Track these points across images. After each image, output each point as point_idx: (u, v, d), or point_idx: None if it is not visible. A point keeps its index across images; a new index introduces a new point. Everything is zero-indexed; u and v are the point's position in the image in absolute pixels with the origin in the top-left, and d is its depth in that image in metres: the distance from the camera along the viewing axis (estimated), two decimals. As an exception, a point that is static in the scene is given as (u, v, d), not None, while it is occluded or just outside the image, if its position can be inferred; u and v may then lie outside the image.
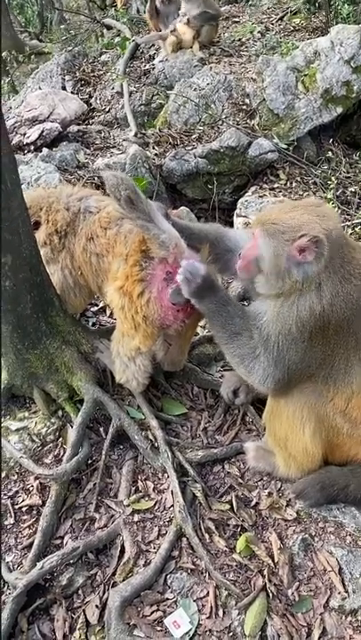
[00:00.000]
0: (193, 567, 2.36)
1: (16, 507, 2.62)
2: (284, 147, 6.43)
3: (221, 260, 2.57)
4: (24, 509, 2.61)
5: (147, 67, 8.08)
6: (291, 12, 8.57)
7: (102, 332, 3.08)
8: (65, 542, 2.49)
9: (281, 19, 8.58)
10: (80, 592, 2.36)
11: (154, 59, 8.12)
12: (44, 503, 2.60)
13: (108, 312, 3.55)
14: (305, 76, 6.70)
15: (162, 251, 2.32)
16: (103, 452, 2.72)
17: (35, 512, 2.60)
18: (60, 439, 2.85)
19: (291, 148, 6.47)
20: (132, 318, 2.47)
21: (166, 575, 2.35)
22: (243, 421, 2.93)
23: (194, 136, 6.42)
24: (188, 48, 7.66)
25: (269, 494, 2.62)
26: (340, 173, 6.47)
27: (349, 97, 6.71)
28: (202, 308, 2.40)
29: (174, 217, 2.56)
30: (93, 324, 3.45)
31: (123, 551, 2.44)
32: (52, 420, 2.90)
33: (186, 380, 3.08)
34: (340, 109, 6.71)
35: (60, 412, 2.94)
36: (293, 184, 6.14)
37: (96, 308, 3.55)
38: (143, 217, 2.25)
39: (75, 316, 3.05)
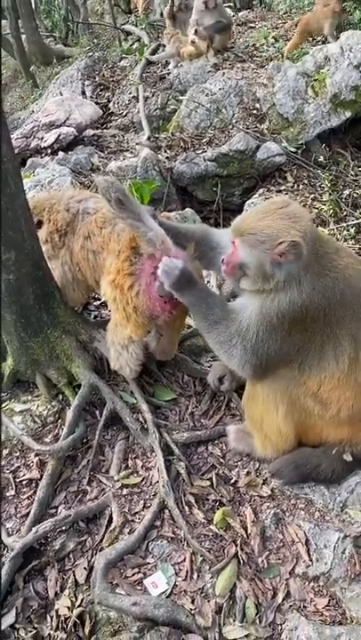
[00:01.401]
0: (173, 536, 2.59)
1: (17, 480, 2.88)
2: (293, 150, 6.60)
3: (207, 257, 2.80)
4: (24, 482, 2.88)
5: (163, 72, 8.34)
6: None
7: (100, 323, 3.33)
8: (59, 512, 2.74)
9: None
10: (71, 556, 2.61)
11: (169, 64, 8.38)
12: (42, 477, 2.86)
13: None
14: (315, 80, 6.87)
15: (149, 247, 2.56)
16: (97, 432, 2.97)
17: (33, 485, 2.87)
18: (60, 420, 3.11)
19: (299, 152, 6.64)
20: (123, 309, 2.72)
21: (148, 542, 2.58)
22: (227, 407, 3.15)
23: (205, 140, 6.64)
24: (203, 55, 7.89)
25: (248, 473, 2.84)
26: (348, 176, 6.62)
27: (358, 101, 6.85)
28: (184, 300, 2.63)
29: (162, 218, 2.80)
30: (95, 317, 3.71)
31: (110, 521, 2.69)
32: (53, 404, 3.16)
33: (177, 368, 3.31)
34: (348, 113, 6.85)
35: (60, 396, 3.20)
36: (300, 186, 6.31)
37: (98, 303, 3.80)
38: (132, 217, 2.49)
39: (75, 309, 3.30)
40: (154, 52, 8.69)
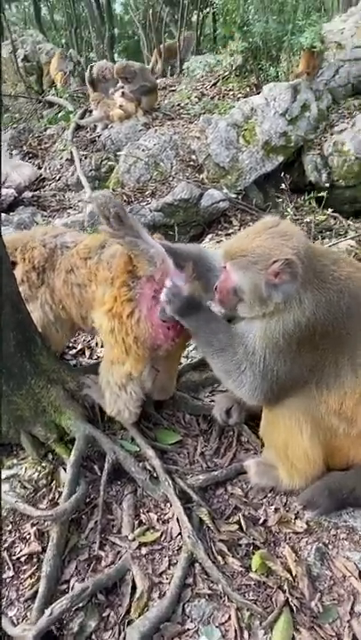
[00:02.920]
0: (210, 592, 2.25)
1: (14, 557, 2.47)
2: (234, 196, 6.73)
3: (204, 279, 2.63)
4: (23, 559, 2.47)
5: (92, 135, 8.41)
6: (223, 78, 9.16)
7: (86, 368, 3.04)
8: (72, 586, 2.34)
9: (214, 85, 9.16)
10: (94, 637, 2.21)
11: (97, 127, 8.47)
12: (44, 550, 2.46)
13: (87, 353, 3.52)
14: (245, 130, 7.12)
15: (150, 267, 2.36)
16: (101, 489, 2.62)
17: (35, 560, 2.46)
18: (54, 482, 2.74)
19: (240, 197, 6.76)
20: (122, 341, 2.47)
21: (184, 604, 2.23)
22: (239, 442, 2.90)
23: (147, 192, 6.64)
24: (133, 116, 8.04)
25: (276, 510, 2.57)
26: (288, 217, 6.77)
27: (288, 146, 7.15)
28: (187, 325, 2.44)
29: (155, 238, 2.62)
30: (74, 366, 3.40)
31: (134, 587, 2.32)
32: (43, 464, 2.79)
33: (176, 408, 3.05)
34: (281, 158, 7.12)
35: (49, 456, 2.84)
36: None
37: (75, 351, 3.51)
38: (131, 233, 2.30)
39: (57, 355, 3.00)
40: (82, 117, 8.78)
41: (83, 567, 2.42)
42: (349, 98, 7.74)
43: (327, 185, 6.85)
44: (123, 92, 7.96)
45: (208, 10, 12.08)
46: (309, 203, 6.91)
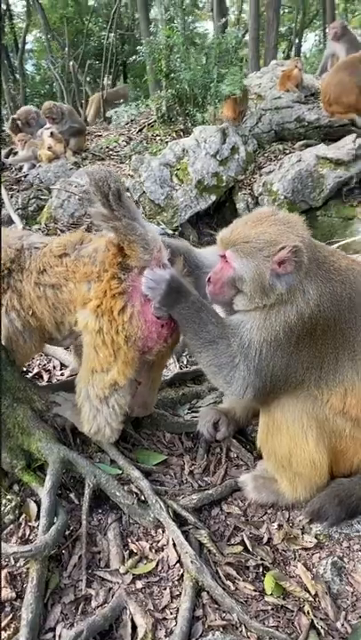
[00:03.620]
0: (225, 623, 1.96)
1: (-20, 608, 2.04)
2: (170, 232, 6.69)
3: (192, 275, 2.45)
4: (-7, 609, 2.05)
5: (18, 175, 8.16)
6: (148, 124, 9.33)
7: (54, 386, 2.72)
8: (59, 634, 1.95)
9: (140, 131, 9.30)
10: None
11: (22, 167, 8.25)
12: (18, 596, 2.07)
13: (45, 377, 3.18)
14: (178, 170, 7.19)
15: (145, 255, 2.15)
16: (83, 518, 2.28)
17: (9, 608, 2.05)
18: (23, 517, 2.35)
19: (176, 233, 6.75)
20: (111, 342, 2.20)
21: (197, 640, 1.92)
22: (228, 457, 2.67)
23: (82, 227, 6.44)
24: (62, 155, 7.92)
25: (280, 526, 2.35)
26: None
27: (220, 186, 7.30)
28: (175, 316, 2.23)
29: None
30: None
31: (134, 626, 1.98)
32: (9, 497, 2.40)
33: (155, 427, 2.77)
34: (213, 197, 7.24)
35: (15, 487, 2.45)
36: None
37: (30, 375, 3.16)
38: (129, 215, 2.09)
39: (21, 372, 2.67)
40: (6, 157, 8.54)
41: (70, 610, 2.04)
42: (274, 143, 8.11)
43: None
44: (52, 133, 7.83)
45: (134, 59, 12.43)
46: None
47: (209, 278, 2.26)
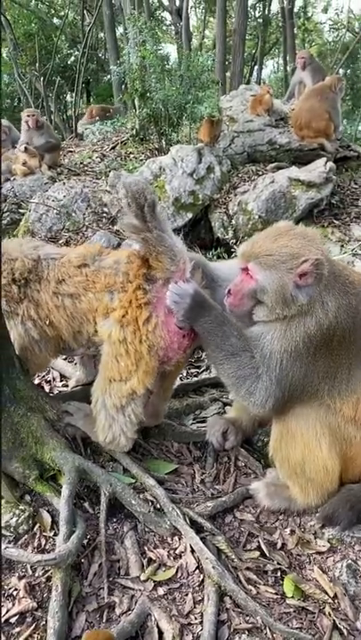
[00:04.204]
0: (250, 626, 2.00)
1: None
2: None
3: (209, 288, 2.51)
4: (13, 621, 2.03)
5: (-9, 189, 8.08)
6: (122, 142, 9.42)
7: (65, 395, 2.72)
8: (85, 642, 1.95)
9: (113, 148, 9.36)
10: None
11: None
12: (39, 606, 2.06)
13: (47, 388, 3.17)
14: (155, 187, 7.27)
15: (171, 266, 2.20)
16: (101, 526, 2.29)
17: (30, 619, 2.03)
18: (38, 527, 2.34)
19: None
20: (134, 351, 2.24)
21: (224, 644, 1.95)
22: (236, 466, 2.72)
23: (61, 241, 6.44)
24: (37, 170, 7.88)
25: (292, 532, 2.41)
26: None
27: (196, 204, 7.42)
28: (198, 329, 2.30)
29: None
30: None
31: (161, 632, 1.99)
32: (22, 507, 2.38)
33: (163, 437, 2.81)
34: (190, 215, 7.35)
35: (27, 497, 2.44)
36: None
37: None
38: (160, 227, 2.14)
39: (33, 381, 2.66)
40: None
41: (94, 618, 2.04)
42: (247, 164, 8.32)
43: (234, 241, 7.17)
44: (25, 147, 7.80)
45: (98, 77, 12.55)
46: (217, 257, 7.14)
47: (229, 290, 2.32)
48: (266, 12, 23.23)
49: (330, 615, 2.05)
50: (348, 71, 22.17)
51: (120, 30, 19.86)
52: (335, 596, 2.12)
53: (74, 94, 13.25)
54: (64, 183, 7.35)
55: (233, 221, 7.42)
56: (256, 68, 25.50)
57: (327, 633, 1.98)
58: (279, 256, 2.18)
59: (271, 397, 2.27)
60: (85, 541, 2.27)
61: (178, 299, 2.24)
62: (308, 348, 2.22)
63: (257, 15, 23.23)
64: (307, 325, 2.21)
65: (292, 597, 2.11)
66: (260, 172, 8.03)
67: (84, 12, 18.35)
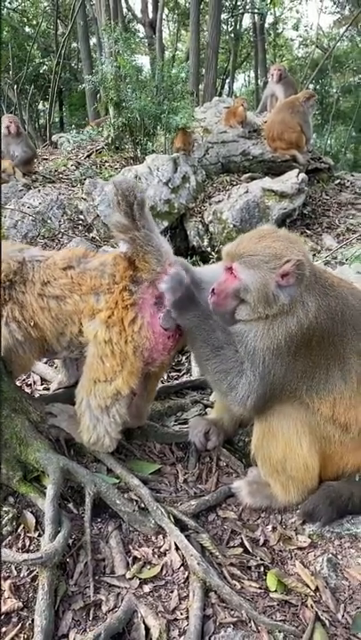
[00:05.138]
0: (235, 620, 2.04)
1: (-15, 622, 2.02)
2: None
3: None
4: (-1, 621, 2.03)
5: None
6: (96, 151, 9.47)
7: (48, 397, 2.73)
8: (72, 639, 1.96)
9: (88, 156, 9.40)
10: None
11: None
12: (25, 606, 2.06)
13: (28, 391, 3.17)
14: (131, 195, 7.32)
15: (157, 267, 2.25)
16: (86, 526, 2.30)
17: (16, 619, 2.03)
18: (22, 528, 2.34)
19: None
20: (120, 352, 2.27)
21: (210, 638, 1.98)
22: (218, 466, 2.77)
23: (37, 248, 6.43)
24: (11, 177, 7.87)
25: (274, 529, 2.47)
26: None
27: (172, 212, 7.52)
28: (183, 322, 2.34)
29: None
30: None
31: (147, 629, 2.01)
32: (5, 509, 2.38)
33: (146, 438, 2.84)
34: (166, 223, 7.43)
35: (11, 499, 2.44)
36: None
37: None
38: (148, 226, 2.19)
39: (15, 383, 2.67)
40: None
41: (81, 616, 2.05)
42: (221, 174, 8.46)
43: (209, 249, 7.27)
44: (-1, 157, 7.80)
45: (70, 87, 12.58)
46: (193, 265, 7.22)
47: (213, 289, 2.36)
48: (238, 27, 23.64)
49: (312, 607, 2.10)
50: (318, 86, 22.73)
51: (94, 40, 19.99)
52: (317, 589, 2.18)
53: (47, 103, 13.22)
54: (39, 190, 7.36)
55: (208, 230, 7.52)
56: (228, 81, 25.88)
57: (310, 624, 2.03)
58: (263, 256, 2.24)
59: (253, 394, 2.31)
60: (71, 541, 2.28)
61: (176, 285, 2.27)
62: (288, 346, 2.29)
63: (229, 30, 23.62)
64: (288, 325, 2.28)
65: (276, 591, 2.16)
66: (235, 183, 8.17)
67: (58, 21, 18.41)
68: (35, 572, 2.13)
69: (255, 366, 2.29)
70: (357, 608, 2.14)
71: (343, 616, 2.11)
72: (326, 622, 2.05)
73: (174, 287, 2.26)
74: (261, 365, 2.29)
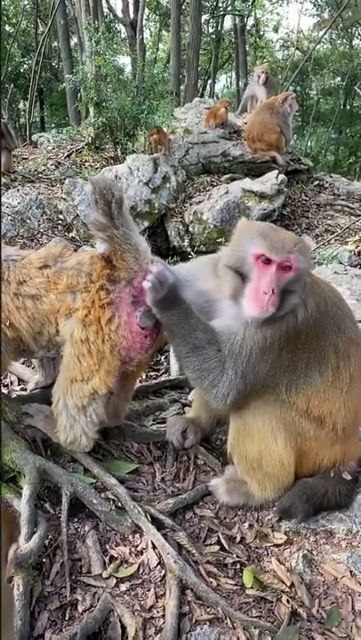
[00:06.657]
0: (211, 617, 2.05)
1: None
2: (105, 255, 6.77)
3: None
4: (-27, 622, 2.01)
5: None
6: (77, 150, 9.43)
7: (25, 398, 2.72)
8: (48, 640, 1.96)
9: (68, 156, 9.37)
10: None
11: None
12: (-1, 606, 2.05)
13: (5, 391, 3.14)
14: (111, 195, 7.32)
15: (135, 265, 2.25)
16: (63, 526, 2.29)
17: (-9, 620, 2.02)
18: (-3, 529, 2.32)
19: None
20: (96, 351, 2.27)
21: (186, 635, 1.99)
22: (196, 464, 2.78)
23: (16, 248, 6.38)
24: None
25: (250, 526, 2.48)
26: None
27: (153, 213, 7.52)
28: (164, 320, 2.33)
29: None
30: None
31: (123, 627, 2.02)
32: (-20, 510, 2.37)
33: (123, 437, 2.83)
34: (147, 223, 7.44)
35: (-16, 500, 2.42)
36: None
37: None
38: (126, 224, 2.19)
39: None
40: None
41: (57, 617, 2.04)
42: (202, 175, 8.49)
43: (190, 250, 7.28)
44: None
45: (51, 86, 12.51)
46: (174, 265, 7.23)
47: (272, 290, 2.18)
48: (219, 29, 23.73)
49: (288, 603, 2.12)
50: (298, 88, 22.91)
51: (74, 40, 19.91)
52: (292, 585, 2.20)
53: (27, 102, 13.14)
54: (18, 190, 7.32)
55: (189, 230, 7.54)
56: (210, 82, 25.97)
57: (285, 620, 2.05)
58: (301, 244, 2.28)
59: (234, 390, 2.30)
60: (47, 541, 2.27)
61: (158, 284, 2.25)
62: (280, 342, 2.28)
63: (210, 31, 23.70)
64: (289, 320, 2.29)
65: (252, 588, 2.18)
66: (215, 183, 8.21)
67: (38, 20, 18.31)
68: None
69: (239, 364, 2.28)
70: (332, 603, 2.17)
71: (318, 611, 2.13)
72: (303, 616, 2.08)
73: (156, 287, 2.25)
74: (245, 363, 2.28)
